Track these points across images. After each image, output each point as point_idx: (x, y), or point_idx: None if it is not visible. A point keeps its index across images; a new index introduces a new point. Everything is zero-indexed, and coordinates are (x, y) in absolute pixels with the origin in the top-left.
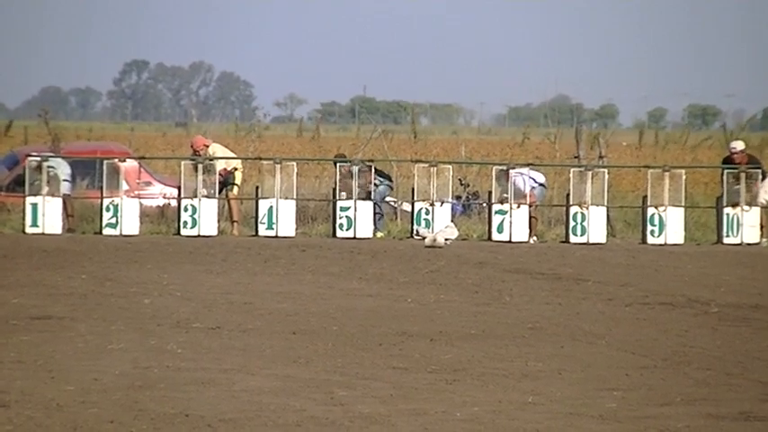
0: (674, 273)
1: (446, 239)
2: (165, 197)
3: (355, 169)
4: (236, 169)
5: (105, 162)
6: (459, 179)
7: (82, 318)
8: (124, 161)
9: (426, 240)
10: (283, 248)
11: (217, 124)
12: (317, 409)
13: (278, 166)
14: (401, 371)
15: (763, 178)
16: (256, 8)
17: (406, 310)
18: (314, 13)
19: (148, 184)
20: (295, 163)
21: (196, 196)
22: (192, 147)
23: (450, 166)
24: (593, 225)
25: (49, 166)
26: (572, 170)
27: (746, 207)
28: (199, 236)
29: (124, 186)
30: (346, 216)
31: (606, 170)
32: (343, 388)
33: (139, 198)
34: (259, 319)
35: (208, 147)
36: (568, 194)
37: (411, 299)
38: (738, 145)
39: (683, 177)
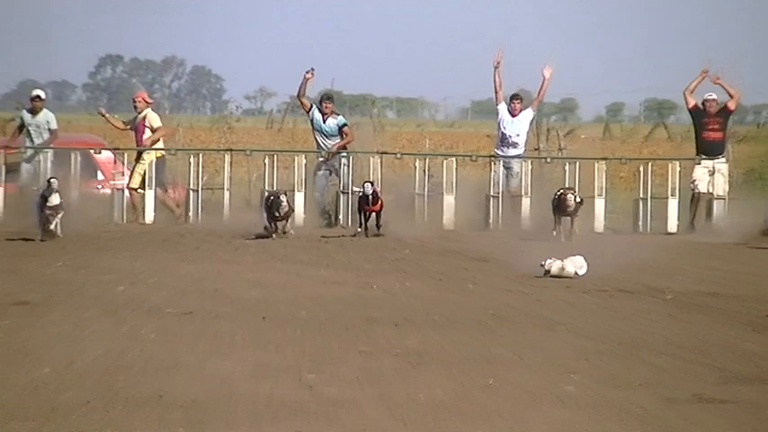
0: (629, 261)
1: (576, 272)
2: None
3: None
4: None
5: (80, 153)
6: (424, 170)
7: (56, 304)
8: (99, 152)
9: (553, 270)
10: (252, 238)
11: (189, 116)
12: (285, 393)
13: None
14: (367, 355)
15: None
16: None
17: (371, 297)
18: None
19: (123, 174)
20: (265, 154)
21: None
22: (133, 99)
23: (416, 158)
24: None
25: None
26: (531, 161)
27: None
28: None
29: (99, 177)
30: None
31: (567, 161)
32: (311, 372)
33: (114, 188)
34: (229, 306)
35: (149, 104)
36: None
37: (377, 286)
38: (712, 94)
39: (604, 169)
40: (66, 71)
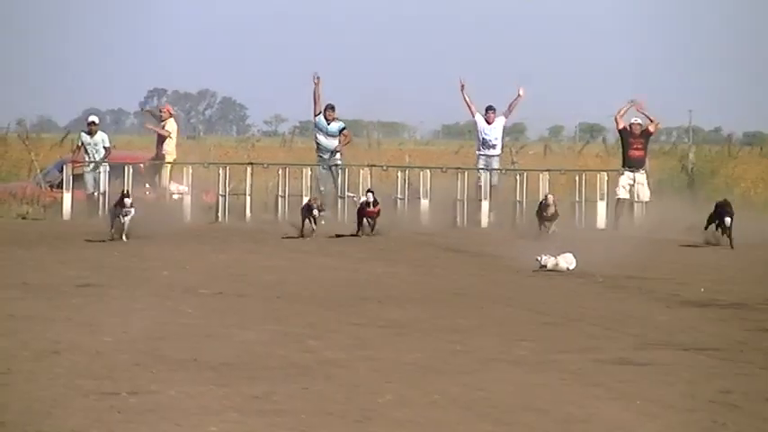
0: (566, 251)
1: (568, 267)
2: (179, 192)
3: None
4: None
5: (132, 166)
6: (404, 180)
7: (115, 286)
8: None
9: (549, 265)
10: (270, 233)
11: (218, 137)
12: (294, 356)
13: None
14: (358, 326)
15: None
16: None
17: (361, 279)
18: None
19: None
20: (279, 166)
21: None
22: (160, 109)
23: (399, 170)
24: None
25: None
26: (488, 173)
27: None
28: None
29: (147, 186)
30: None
31: (518, 173)
32: (313, 339)
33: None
34: (252, 287)
35: (171, 116)
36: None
37: (365, 271)
38: (637, 120)
39: (547, 179)
40: (121, 101)
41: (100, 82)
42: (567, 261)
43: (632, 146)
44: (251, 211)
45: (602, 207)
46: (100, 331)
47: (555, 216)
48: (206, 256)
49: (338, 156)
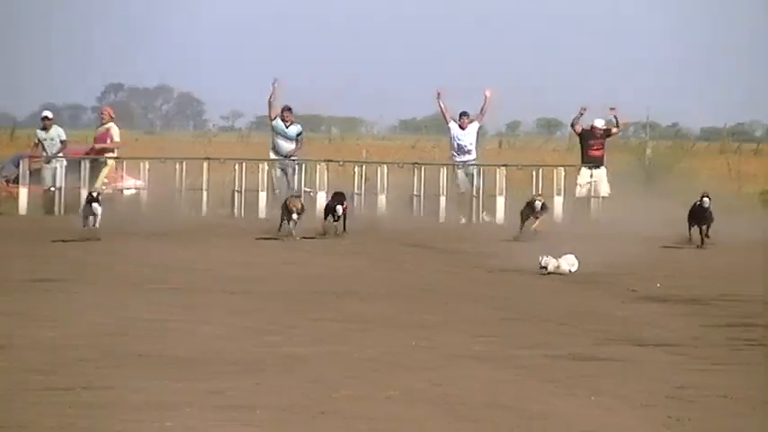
0: (525, 245)
1: (570, 269)
2: (135, 187)
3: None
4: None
5: (89, 161)
6: (361, 175)
7: (73, 281)
8: (105, 162)
9: (550, 267)
10: (229, 228)
11: (176, 132)
12: (252, 351)
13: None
14: (319, 321)
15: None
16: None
17: (325, 274)
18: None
19: (122, 177)
20: (236, 161)
21: None
22: (100, 112)
23: (355, 165)
24: (467, 209)
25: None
26: (446, 168)
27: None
28: None
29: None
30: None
31: (475, 167)
32: (273, 334)
33: (118, 188)
34: (212, 282)
35: (112, 118)
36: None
37: (329, 266)
38: (599, 122)
39: (504, 174)
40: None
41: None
42: (568, 263)
43: (592, 147)
44: (207, 207)
45: (558, 202)
46: (55, 326)
47: (542, 212)
48: (165, 251)
49: (295, 161)
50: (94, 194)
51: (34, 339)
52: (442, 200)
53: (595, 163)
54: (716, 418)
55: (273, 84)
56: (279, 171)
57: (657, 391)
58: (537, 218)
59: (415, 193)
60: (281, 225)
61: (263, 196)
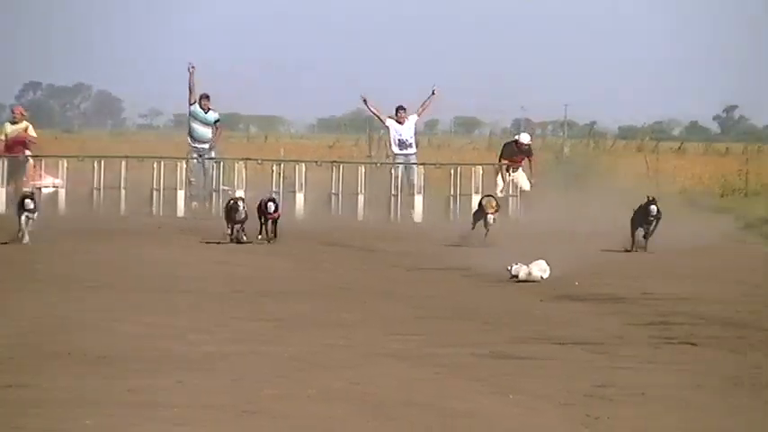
0: (443, 245)
1: (542, 276)
2: (54, 185)
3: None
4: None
5: (9, 159)
6: (279, 173)
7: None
8: (26, 159)
9: (521, 275)
10: (148, 226)
11: (94, 130)
12: (174, 349)
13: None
14: (242, 320)
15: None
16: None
17: (247, 274)
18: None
19: (41, 176)
20: (155, 159)
21: None
22: (12, 111)
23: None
24: (385, 207)
25: None
26: (365, 166)
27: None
28: None
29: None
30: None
31: (392, 166)
32: (195, 333)
33: (36, 186)
34: (135, 280)
35: (24, 117)
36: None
37: (251, 265)
38: (525, 137)
39: (422, 172)
40: None
41: None
42: (540, 269)
43: (515, 157)
44: (126, 205)
45: (476, 200)
46: None
47: (491, 223)
48: (85, 249)
49: (212, 150)
50: (30, 192)
51: None
52: (361, 198)
53: (514, 168)
54: (635, 417)
55: (189, 69)
56: (195, 160)
57: (577, 389)
58: (488, 224)
59: (333, 191)
60: (230, 231)
61: (181, 194)
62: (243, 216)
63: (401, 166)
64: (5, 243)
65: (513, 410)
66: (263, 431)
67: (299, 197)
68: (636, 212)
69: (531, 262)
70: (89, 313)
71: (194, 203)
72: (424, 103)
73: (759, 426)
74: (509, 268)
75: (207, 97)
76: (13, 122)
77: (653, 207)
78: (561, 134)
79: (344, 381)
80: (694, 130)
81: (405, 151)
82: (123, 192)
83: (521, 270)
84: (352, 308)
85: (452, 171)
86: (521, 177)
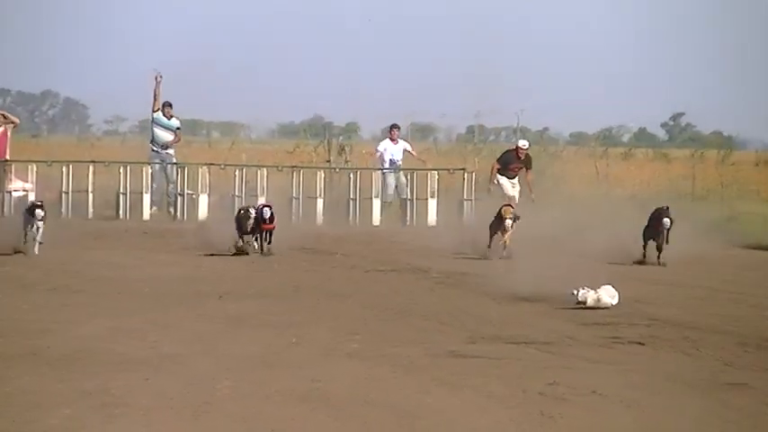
0: (401, 247)
1: (611, 303)
2: (23, 189)
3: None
4: None
5: None
6: (241, 178)
7: None
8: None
9: (589, 301)
10: (111, 229)
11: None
12: (132, 350)
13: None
14: (197, 321)
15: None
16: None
17: (201, 275)
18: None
19: (11, 180)
20: (120, 164)
21: None
22: None
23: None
24: (343, 212)
25: None
26: (323, 171)
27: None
28: None
29: None
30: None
31: (350, 171)
32: (152, 334)
33: (7, 190)
34: (90, 283)
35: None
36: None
37: (206, 267)
38: (523, 143)
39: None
40: None
41: None
42: (609, 295)
43: (513, 165)
44: (93, 208)
45: (432, 204)
46: None
47: (509, 229)
48: (45, 252)
49: (172, 152)
50: (39, 202)
51: None
52: (319, 202)
53: (512, 176)
54: (586, 415)
55: (156, 78)
56: (157, 166)
57: (530, 388)
58: (506, 231)
59: (293, 195)
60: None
61: (146, 198)
62: (254, 225)
63: (390, 177)
64: (7, 254)
65: (468, 409)
66: (220, 431)
67: (261, 201)
68: (648, 223)
69: (598, 287)
70: (45, 315)
71: (154, 208)
72: (411, 151)
73: (706, 425)
74: (575, 293)
75: (170, 105)
76: None
77: (666, 220)
78: (514, 140)
79: (298, 379)
80: (643, 136)
81: (393, 166)
82: (90, 195)
83: (588, 296)
84: (304, 308)
85: (409, 176)
86: (517, 187)
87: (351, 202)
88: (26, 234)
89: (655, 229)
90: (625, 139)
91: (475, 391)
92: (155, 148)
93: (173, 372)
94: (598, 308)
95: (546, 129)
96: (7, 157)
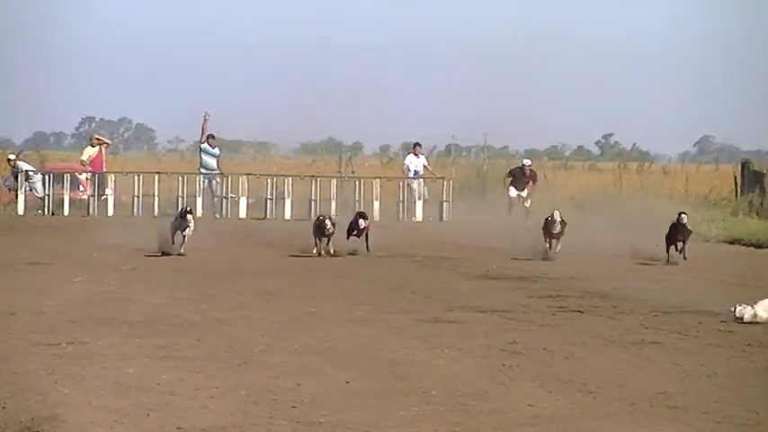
0: (396, 238)
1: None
2: (106, 194)
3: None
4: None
5: (68, 174)
6: (272, 184)
7: (57, 264)
8: (82, 174)
9: (746, 317)
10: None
11: (134, 153)
12: (188, 315)
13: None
14: (237, 294)
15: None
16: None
17: (234, 259)
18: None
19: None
20: (179, 175)
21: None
22: (91, 137)
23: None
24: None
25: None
26: (336, 180)
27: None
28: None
29: (80, 188)
30: None
31: (355, 180)
32: (203, 303)
33: (90, 196)
34: (156, 264)
35: (100, 141)
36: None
37: (237, 253)
38: (527, 162)
39: (379, 184)
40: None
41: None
42: (764, 309)
43: (520, 180)
44: (158, 208)
45: (419, 206)
46: (45, 297)
47: (561, 234)
48: (123, 240)
49: (216, 171)
50: (188, 208)
51: (30, 307)
52: (333, 204)
53: (520, 188)
54: (537, 366)
55: (205, 116)
56: (206, 182)
57: (494, 345)
58: (555, 236)
59: (312, 198)
60: (316, 245)
61: (199, 201)
62: (331, 230)
63: (414, 183)
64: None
65: (445, 361)
66: (255, 378)
67: (288, 202)
68: (670, 229)
69: (757, 302)
70: (125, 288)
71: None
72: (427, 167)
73: (624, 371)
74: (733, 310)
75: (213, 137)
76: (91, 145)
77: (683, 216)
78: (482, 155)
79: (316, 339)
80: (580, 152)
81: (416, 175)
82: (156, 199)
83: (746, 311)
84: (319, 284)
85: (401, 183)
86: (526, 196)
87: (356, 203)
88: (173, 236)
89: (676, 234)
90: (567, 153)
91: (450, 348)
92: (203, 171)
93: (220, 332)
94: (754, 322)
95: (506, 146)
96: (104, 170)
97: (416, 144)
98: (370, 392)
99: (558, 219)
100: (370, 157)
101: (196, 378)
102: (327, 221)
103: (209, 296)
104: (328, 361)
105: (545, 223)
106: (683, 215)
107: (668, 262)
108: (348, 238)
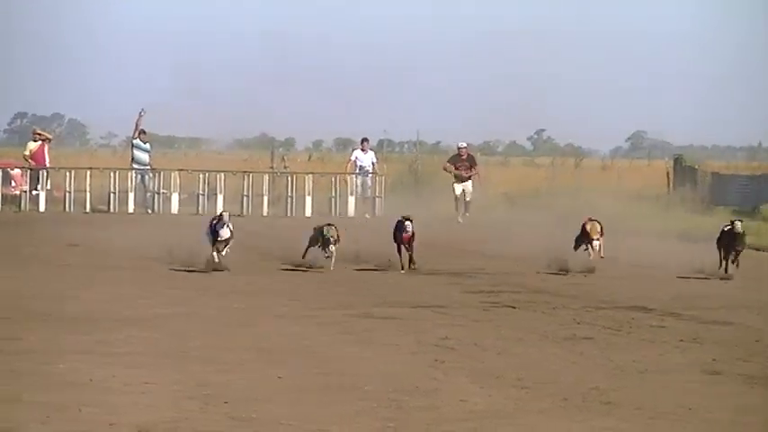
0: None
1: None
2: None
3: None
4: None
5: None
6: (204, 180)
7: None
8: (14, 169)
9: None
10: (104, 219)
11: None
12: (127, 311)
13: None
14: (175, 290)
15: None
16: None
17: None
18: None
19: (25, 182)
20: (110, 170)
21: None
22: (33, 132)
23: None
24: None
25: None
26: (268, 175)
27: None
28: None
29: (13, 183)
30: None
31: (287, 175)
32: (142, 299)
33: (21, 191)
34: (93, 258)
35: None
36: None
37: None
38: (462, 144)
39: (311, 178)
40: None
41: None
42: None
43: (457, 166)
44: (90, 203)
45: (351, 201)
46: None
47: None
48: (65, 234)
49: (148, 167)
50: (226, 216)
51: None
52: (265, 199)
53: (462, 178)
54: (469, 361)
55: (141, 112)
56: (138, 177)
57: (426, 341)
58: (594, 244)
59: (244, 193)
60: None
61: (131, 196)
62: (335, 238)
63: (358, 179)
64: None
65: (376, 356)
66: (188, 373)
67: (220, 198)
68: (722, 236)
69: None
70: (60, 283)
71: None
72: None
73: (557, 365)
74: None
75: (144, 132)
76: (35, 141)
77: (737, 224)
78: (414, 151)
79: (250, 336)
80: (513, 147)
81: (362, 171)
82: (88, 194)
83: None
84: (258, 280)
85: (333, 178)
86: (469, 190)
87: (288, 198)
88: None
89: (730, 242)
90: (500, 149)
91: (382, 343)
92: (135, 166)
93: (159, 327)
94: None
95: (438, 142)
96: (47, 165)
97: (364, 139)
98: (302, 388)
99: (598, 230)
100: (301, 153)
101: (129, 374)
102: (325, 231)
103: (149, 292)
104: (259, 356)
105: (581, 231)
106: (737, 222)
107: (726, 274)
108: (399, 250)
